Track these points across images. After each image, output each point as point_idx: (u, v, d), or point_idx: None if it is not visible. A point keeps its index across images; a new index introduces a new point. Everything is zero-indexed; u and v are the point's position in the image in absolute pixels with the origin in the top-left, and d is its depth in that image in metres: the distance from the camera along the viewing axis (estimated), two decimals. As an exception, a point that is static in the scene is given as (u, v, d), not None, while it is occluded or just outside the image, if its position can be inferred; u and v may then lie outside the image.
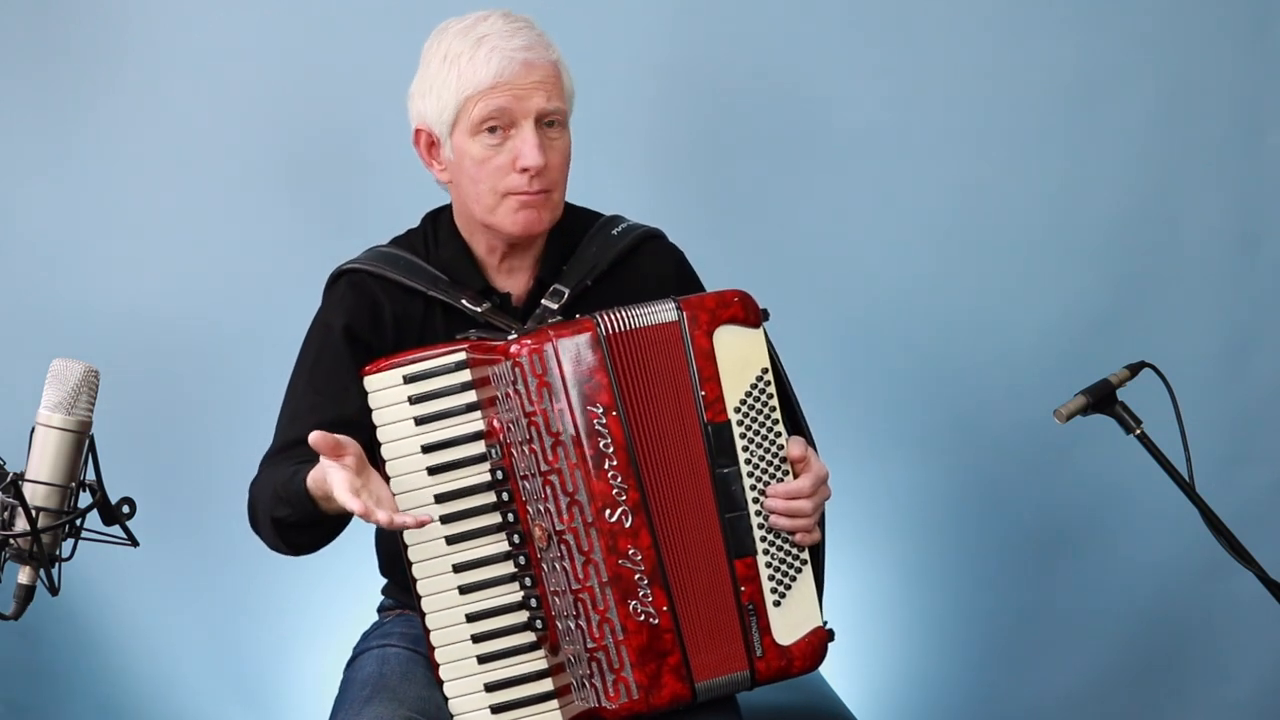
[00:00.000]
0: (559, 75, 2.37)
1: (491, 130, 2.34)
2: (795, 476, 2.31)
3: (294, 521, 2.31)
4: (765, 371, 2.30)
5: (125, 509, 2.04)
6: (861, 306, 3.43)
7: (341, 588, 2.89)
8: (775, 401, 2.31)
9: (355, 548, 2.48)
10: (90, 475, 2.02)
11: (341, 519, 2.31)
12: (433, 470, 2.27)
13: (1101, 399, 2.68)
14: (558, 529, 2.24)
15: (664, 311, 2.28)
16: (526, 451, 2.25)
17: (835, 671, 3.01)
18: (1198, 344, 3.45)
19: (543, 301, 2.41)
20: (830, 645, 2.34)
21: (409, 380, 2.28)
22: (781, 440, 2.31)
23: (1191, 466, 2.66)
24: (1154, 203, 3.47)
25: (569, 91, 2.40)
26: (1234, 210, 3.49)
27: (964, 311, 3.45)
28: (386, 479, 2.26)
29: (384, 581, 2.58)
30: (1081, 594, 3.50)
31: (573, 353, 2.25)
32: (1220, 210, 3.48)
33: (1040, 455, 3.44)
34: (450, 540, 2.27)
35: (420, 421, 2.27)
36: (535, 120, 2.34)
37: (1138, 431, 2.68)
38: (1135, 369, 2.72)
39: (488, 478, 2.27)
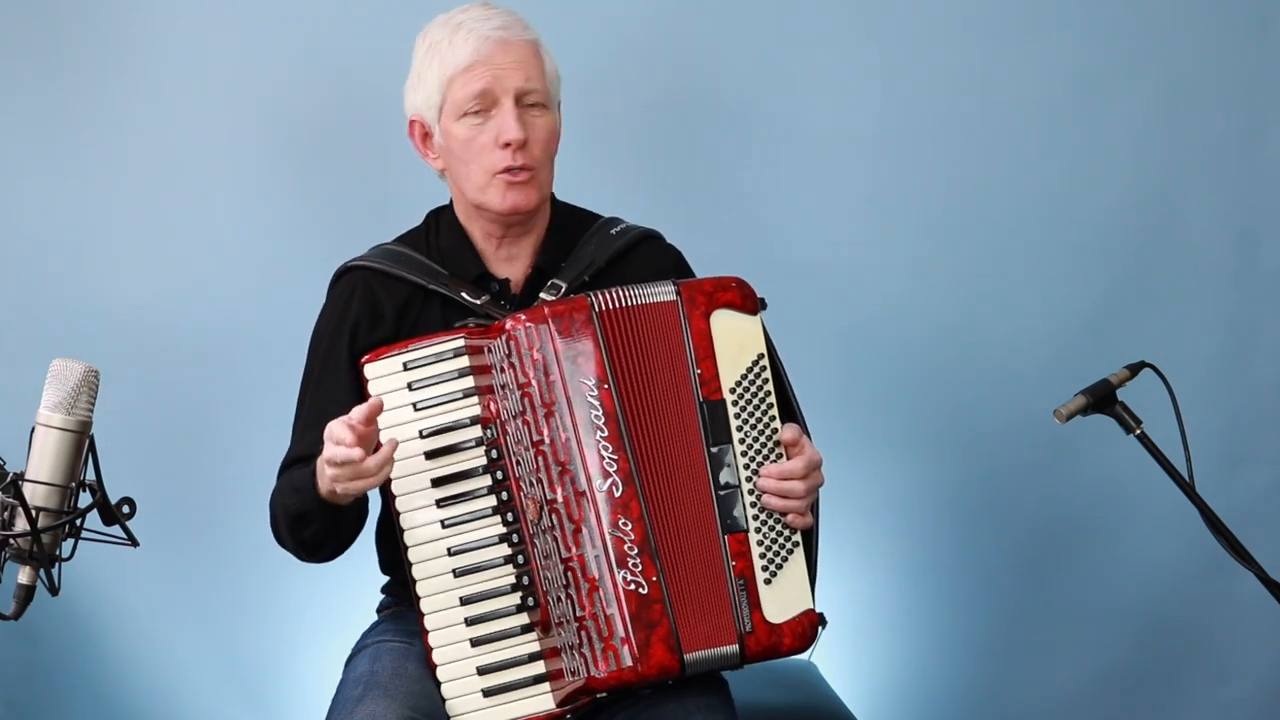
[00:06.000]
0: (538, 55, 2.44)
1: (475, 112, 2.40)
2: (789, 459, 2.33)
3: (302, 510, 2.33)
4: (761, 357, 2.34)
5: (125, 509, 2.04)
6: (861, 307, 3.43)
7: (341, 588, 2.89)
8: (770, 387, 2.34)
9: (356, 548, 2.49)
10: (90, 475, 2.03)
11: (353, 513, 2.34)
12: (430, 454, 2.31)
13: (1101, 399, 2.68)
14: (549, 499, 2.27)
15: (662, 292, 2.33)
16: (520, 424, 2.29)
17: (833, 670, 3.02)
18: (1197, 344, 3.45)
19: (541, 295, 2.44)
20: (828, 640, 2.37)
21: (408, 367, 2.32)
22: (775, 424, 2.34)
23: (1191, 466, 2.66)
24: (1153, 202, 3.47)
25: (551, 74, 2.47)
26: (1233, 210, 3.49)
27: (963, 312, 3.45)
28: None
29: (384, 581, 2.58)
30: (1081, 594, 3.50)
31: (567, 327, 2.28)
32: (1220, 210, 3.48)
33: (1040, 455, 3.44)
34: (446, 524, 2.31)
35: (419, 407, 2.31)
36: (515, 99, 2.40)
37: (1138, 431, 2.68)
38: (1135, 369, 2.72)
39: (484, 461, 2.31)
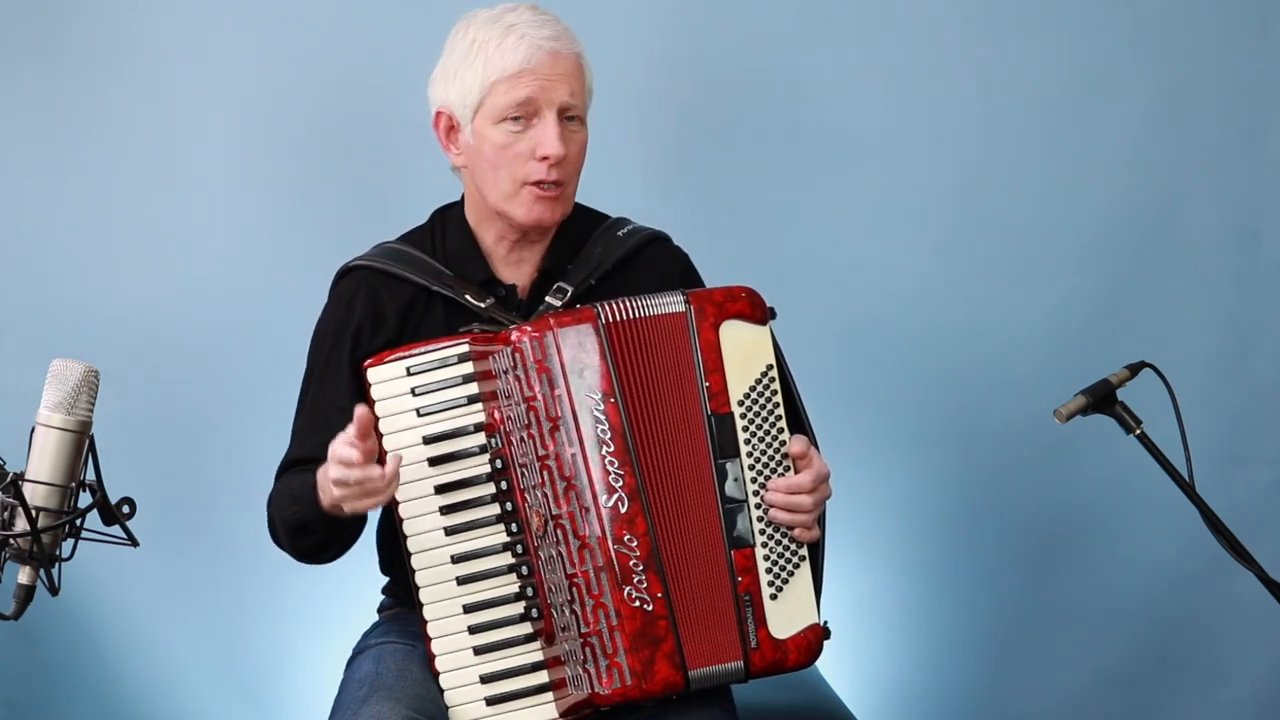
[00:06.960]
0: (582, 70, 2.42)
1: (515, 119, 2.37)
2: (797, 473, 2.32)
3: (303, 520, 2.33)
4: (770, 368, 2.32)
5: (125, 509, 2.04)
6: (862, 307, 3.43)
7: (341, 588, 2.89)
8: (779, 398, 2.32)
9: (356, 547, 2.49)
10: (90, 475, 2.02)
11: (354, 521, 2.34)
12: (433, 461, 2.29)
13: (1101, 399, 2.68)
14: (554, 513, 2.26)
15: (671, 303, 2.31)
16: (525, 437, 2.27)
17: (834, 671, 3.02)
18: (1197, 344, 3.45)
19: (547, 299, 2.42)
20: (828, 644, 2.34)
21: (411, 372, 2.31)
22: (784, 436, 2.32)
23: (1191, 466, 2.66)
24: (1154, 202, 3.47)
25: (589, 88, 2.44)
26: (1233, 209, 3.49)
27: (963, 312, 3.45)
28: None
29: (384, 581, 2.58)
30: (1081, 594, 3.49)
31: (573, 340, 2.27)
32: (1220, 210, 3.48)
33: (1040, 455, 3.44)
34: (449, 531, 2.30)
35: (422, 413, 2.30)
36: (558, 112, 2.37)
37: (1138, 431, 2.68)
38: (1135, 369, 2.72)
39: (488, 469, 2.30)
